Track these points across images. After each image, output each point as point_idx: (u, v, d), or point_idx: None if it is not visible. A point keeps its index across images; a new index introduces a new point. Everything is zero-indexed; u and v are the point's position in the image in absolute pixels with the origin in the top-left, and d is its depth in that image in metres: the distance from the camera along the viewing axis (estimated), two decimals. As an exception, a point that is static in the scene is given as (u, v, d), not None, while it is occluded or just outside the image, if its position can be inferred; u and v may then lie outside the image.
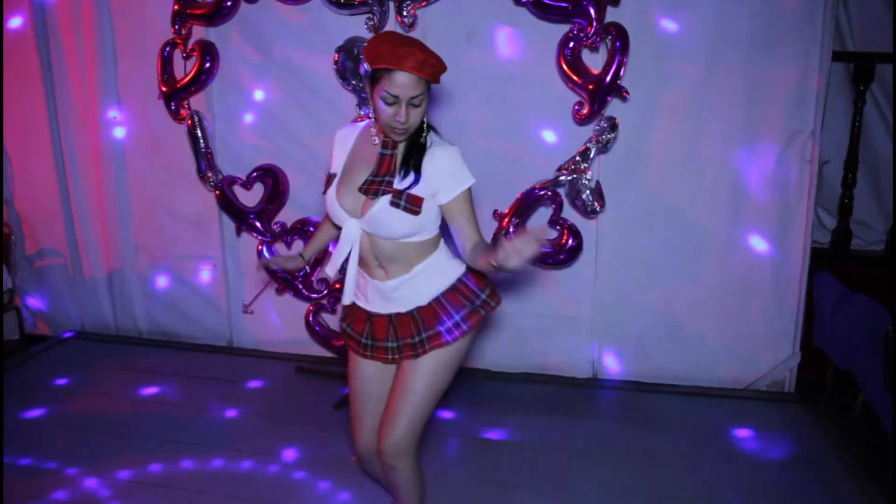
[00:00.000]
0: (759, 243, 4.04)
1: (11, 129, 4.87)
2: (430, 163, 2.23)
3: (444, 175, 2.23)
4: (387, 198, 2.22)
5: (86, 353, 4.78)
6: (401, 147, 2.28)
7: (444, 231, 2.36)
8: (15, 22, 4.66)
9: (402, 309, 2.37)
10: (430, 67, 2.13)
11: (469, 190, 2.27)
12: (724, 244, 4.07)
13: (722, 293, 4.13)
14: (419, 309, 2.36)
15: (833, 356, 3.86)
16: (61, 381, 4.34)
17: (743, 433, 3.79)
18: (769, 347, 4.15)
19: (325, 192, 2.39)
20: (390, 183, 2.24)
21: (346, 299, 2.44)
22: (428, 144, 2.26)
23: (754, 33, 3.82)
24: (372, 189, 2.25)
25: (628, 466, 3.44)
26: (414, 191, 2.22)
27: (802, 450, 3.64)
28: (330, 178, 2.40)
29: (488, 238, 2.34)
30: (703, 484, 3.30)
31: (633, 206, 4.07)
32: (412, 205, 2.21)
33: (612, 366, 4.33)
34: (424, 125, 2.25)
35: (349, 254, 2.35)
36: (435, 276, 2.36)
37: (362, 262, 2.37)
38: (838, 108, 4.29)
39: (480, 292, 2.39)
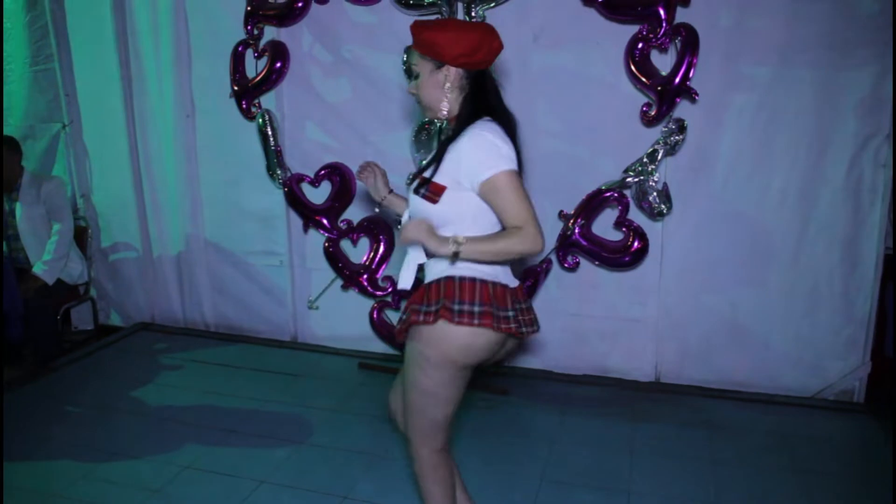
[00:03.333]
0: (829, 249, 3.95)
1: (91, 126, 5.05)
2: (454, 150, 2.13)
3: (463, 163, 2.10)
4: (414, 185, 2.22)
5: (155, 344, 4.93)
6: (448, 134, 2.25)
7: None
8: (96, 23, 4.82)
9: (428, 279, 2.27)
10: (415, 39, 2.19)
11: (501, 176, 2.06)
12: (793, 249, 4.00)
13: (789, 299, 4.05)
14: (421, 286, 2.26)
15: (906, 366, 3.77)
16: (132, 371, 4.48)
17: (809, 443, 3.71)
18: (838, 356, 4.05)
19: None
20: (423, 170, 2.22)
21: (403, 283, 2.35)
22: (467, 131, 2.13)
23: (827, 34, 3.73)
24: (416, 176, 2.26)
25: (690, 472, 3.40)
26: (439, 179, 2.14)
27: (870, 463, 3.55)
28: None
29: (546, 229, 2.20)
30: (766, 493, 3.24)
31: (700, 209, 4.02)
32: (431, 192, 2.14)
33: (674, 370, 4.29)
34: (446, 105, 2.20)
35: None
36: (459, 264, 2.17)
37: None
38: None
39: (480, 305, 2.16)
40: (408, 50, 2.19)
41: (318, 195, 4.46)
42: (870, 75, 3.73)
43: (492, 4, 3.90)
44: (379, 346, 4.62)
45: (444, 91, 2.18)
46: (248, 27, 4.30)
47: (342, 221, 4.40)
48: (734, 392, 4.18)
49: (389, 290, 4.34)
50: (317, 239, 4.56)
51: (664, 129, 3.79)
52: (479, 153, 2.08)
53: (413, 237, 2.09)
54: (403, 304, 2.56)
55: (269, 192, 4.62)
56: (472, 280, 2.17)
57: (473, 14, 3.91)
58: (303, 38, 4.39)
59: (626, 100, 3.89)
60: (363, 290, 4.40)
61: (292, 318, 4.88)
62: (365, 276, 4.35)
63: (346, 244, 4.49)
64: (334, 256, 4.42)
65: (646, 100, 3.82)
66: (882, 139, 3.78)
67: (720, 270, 4.08)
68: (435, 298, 2.17)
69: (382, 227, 4.33)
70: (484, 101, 2.20)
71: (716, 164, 3.98)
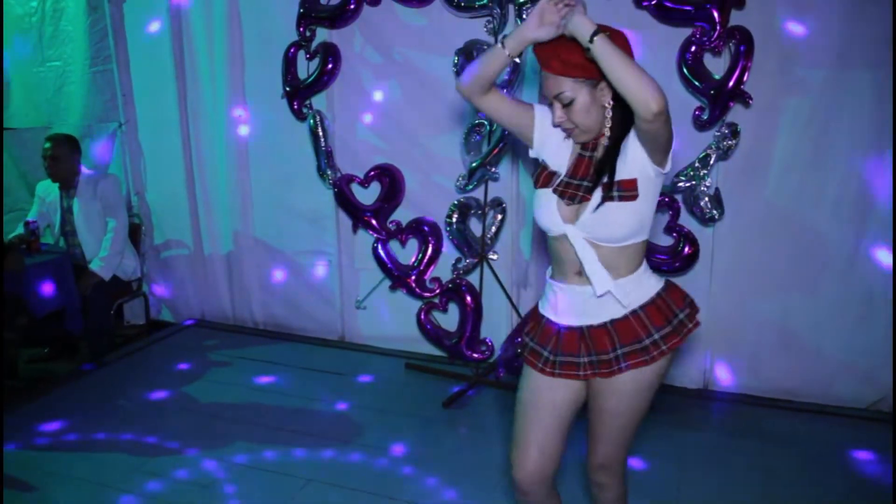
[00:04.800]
0: (885, 256, 3.87)
1: (146, 125, 5.17)
2: (625, 155, 2.01)
3: (635, 145, 1.98)
4: (597, 199, 2.02)
5: (205, 341, 5.02)
6: (600, 148, 2.08)
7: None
8: (153, 26, 4.96)
9: (595, 321, 2.13)
10: (559, 65, 1.95)
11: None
12: (847, 256, 3.92)
13: (842, 307, 3.97)
14: (614, 322, 2.12)
15: (964, 378, 3.67)
16: (182, 366, 4.57)
17: (861, 455, 3.63)
18: (893, 366, 3.97)
19: (537, 185, 2.18)
20: (589, 188, 2.05)
21: (554, 313, 2.22)
22: (627, 141, 2.02)
23: (885, 35, 3.64)
24: (568, 193, 2.07)
25: (740, 481, 3.35)
26: (622, 175, 2.01)
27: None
28: (543, 171, 2.19)
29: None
30: None
31: (752, 215, 3.96)
32: (626, 190, 1.99)
33: (724, 377, 4.23)
34: (608, 122, 2.03)
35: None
36: (634, 289, 2.12)
37: (559, 271, 2.20)
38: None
39: (679, 311, 2.14)
40: (544, 78, 2.00)
41: (367, 196, 4.49)
42: (930, 78, 3.64)
43: (544, 7, 3.88)
44: (425, 348, 4.63)
45: (607, 108, 2.02)
46: (301, 29, 4.35)
47: (391, 222, 4.43)
48: (784, 401, 4.11)
49: (437, 291, 4.35)
50: (365, 239, 4.59)
51: (717, 134, 3.74)
52: None
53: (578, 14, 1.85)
54: (528, 326, 2.36)
55: (318, 192, 4.67)
56: (660, 296, 2.14)
57: (525, 16, 3.90)
58: (354, 40, 4.43)
59: (679, 103, 3.82)
60: (411, 291, 4.42)
61: (340, 317, 4.93)
62: (413, 277, 4.37)
63: (394, 245, 4.51)
64: (383, 257, 4.44)
65: (698, 103, 3.77)
66: (943, 143, 3.69)
67: (771, 277, 4.02)
68: (645, 331, 2.10)
69: (432, 229, 4.34)
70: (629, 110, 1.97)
71: (769, 168, 3.92)
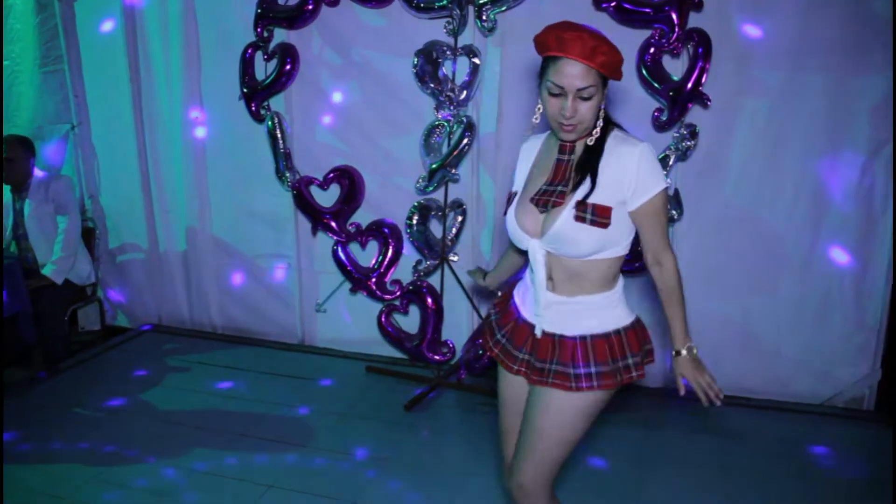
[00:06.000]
0: (840, 255, 3.94)
1: (100, 127, 5.05)
2: (614, 164, 1.99)
3: (632, 178, 1.97)
4: (569, 212, 1.99)
5: (162, 346, 4.92)
6: (578, 150, 2.07)
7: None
8: (106, 26, 4.84)
9: (546, 328, 2.12)
10: (603, 56, 1.87)
11: (661, 195, 2.00)
12: (804, 255, 3.99)
13: (800, 306, 4.04)
14: (561, 338, 2.09)
15: (917, 373, 3.75)
16: (140, 373, 4.48)
17: (819, 450, 3.70)
18: (848, 363, 4.04)
19: (504, 213, 2.20)
20: (563, 193, 2.03)
21: (535, 320, 2.16)
22: (611, 144, 2.02)
23: (840, 39, 3.72)
24: (542, 200, 2.05)
25: (702, 479, 3.39)
26: (600, 199, 1.98)
27: (880, 470, 3.53)
28: (511, 197, 2.21)
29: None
30: (777, 500, 3.24)
31: (711, 215, 4.01)
32: (600, 217, 1.97)
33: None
34: (601, 122, 2.01)
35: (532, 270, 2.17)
36: (596, 314, 2.09)
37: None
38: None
39: (631, 355, 2.09)
40: (568, 68, 1.92)
41: (326, 198, 4.45)
42: (884, 80, 3.72)
43: (503, 8, 3.89)
44: (386, 350, 4.61)
45: (599, 109, 2.00)
46: (258, 29, 4.29)
47: (351, 224, 4.39)
48: (744, 399, 4.16)
49: (398, 293, 4.33)
50: (325, 242, 4.55)
51: (676, 135, 3.77)
52: (648, 167, 1.99)
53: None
54: (501, 323, 2.33)
55: (277, 194, 4.61)
56: (623, 331, 2.12)
57: (485, 18, 3.91)
58: (312, 41, 4.38)
59: (638, 104, 3.87)
60: (371, 294, 4.39)
61: (300, 320, 4.88)
62: (373, 280, 4.34)
63: (354, 247, 4.47)
64: (343, 260, 4.41)
65: (657, 104, 3.80)
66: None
67: (730, 276, 4.07)
68: (584, 360, 2.06)
69: (392, 231, 4.32)
70: (607, 111, 2.06)
71: (727, 169, 3.97)
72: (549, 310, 2.11)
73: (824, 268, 3.98)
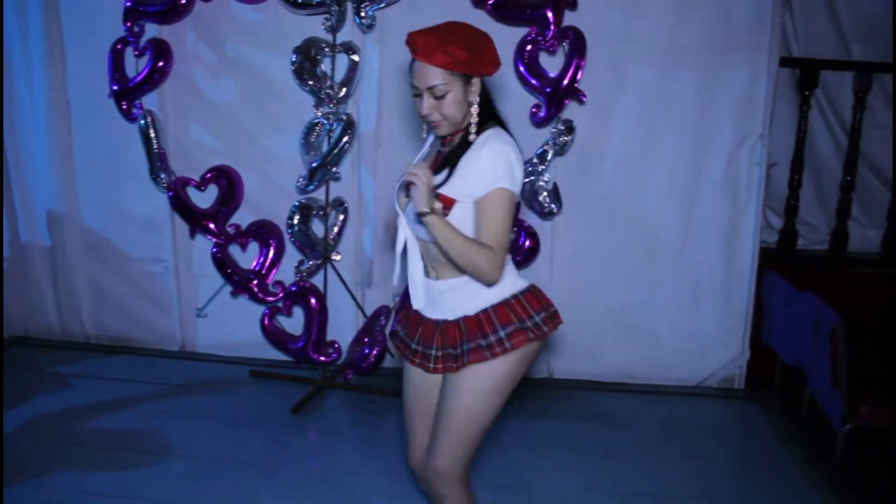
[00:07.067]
0: (710, 243, 4.15)
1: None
2: (471, 160, 2.04)
3: (478, 172, 2.01)
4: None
5: (30, 360, 4.62)
6: (455, 143, 2.13)
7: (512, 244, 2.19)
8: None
9: (450, 316, 2.15)
10: (444, 56, 1.95)
11: (500, 193, 2.00)
12: (677, 244, 4.18)
13: (675, 292, 4.23)
14: (465, 318, 2.12)
15: (781, 353, 3.98)
16: (5, 390, 4.19)
17: (696, 430, 3.88)
18: (720, 345, 4.27)
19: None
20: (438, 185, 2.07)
21: (416, 302, 2.19)
22: (481, 139, 2.06)
23: (706, 39, 3.94)
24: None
25: (589, 464, 3.49)
26: (448, 190, 2.04)
27: (754, 444, 3.77)
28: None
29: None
30: (662, 481, 3.37)
31: (589, 208, 4.14)
32: (442, 206, 2.02)
33: (567, 366, 4.39)
34: (474, 119, 2.07)
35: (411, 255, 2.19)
36: (482, 290, 2.12)
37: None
38: (782, 112, 4.40)
39: (535, 314, 2.12)
40: (418, 68, 2.00)
41: (204, 199, 4.30)
42: (744, 77, 3.96)
43: (382, 5, 3.88)
44: (270, 353, 4.51)
45: (470, 104, 2.06)
46: (128, 24, 4.10)
47: (230, 226, 4.27)
48: (623, 384, 4.32)
49: (281, 294, 4.25)
50: (204, 244, 4.39)
51: (553, 131, 3.86)
52: (495, 164, 2.00)
53: (424, 188, 1.92)
54: (398, 315, 2.41)
55: (152, 196, 4.42)
56: (516, 297, 2.12)
57: (363, 14, 3.88)
58: (186, 37, 4.23)
59: (516, 101, 3.93)
60: (253, 297, 4.28)
61: (179, 326, 4.69)
62: (255, 282, 4.24)
63: (234, 249, 4.35)
64: (223, 262, 4.28)
65: (535, 101, 3.88)
66: (756, 138, 4.02)
67: (609, 266, 4.21)
68: (492, 329, 2.08)
69: (273, 232, 4.23)
70: (489, 108, 2.13)
71: (603, 163, 4.11)
72: (443, 297, 2.16)
73: (696, 256, 4.17)
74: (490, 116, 2.12)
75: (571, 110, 3.90)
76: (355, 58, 3.99)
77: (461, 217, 2.03)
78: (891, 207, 4.43)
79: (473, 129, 2.07)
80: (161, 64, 4.15)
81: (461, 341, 2.11)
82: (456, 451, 2.17)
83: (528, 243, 3.96)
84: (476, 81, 2.05)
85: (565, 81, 3.74)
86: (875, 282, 4.23)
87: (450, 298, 2.15)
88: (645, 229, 4.17)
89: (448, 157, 2.11)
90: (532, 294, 2.16)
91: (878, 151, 4.49)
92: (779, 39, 3.96)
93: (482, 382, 2.11)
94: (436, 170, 2.11)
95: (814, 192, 4.62)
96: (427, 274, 2.18)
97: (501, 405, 2.17)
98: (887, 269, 4.29)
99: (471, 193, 2.03)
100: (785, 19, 4.18)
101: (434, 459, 2.20)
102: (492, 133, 2.08)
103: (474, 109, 2.07)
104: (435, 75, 1.99)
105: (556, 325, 2.17)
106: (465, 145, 2.08)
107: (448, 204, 2.03)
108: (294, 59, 3.94)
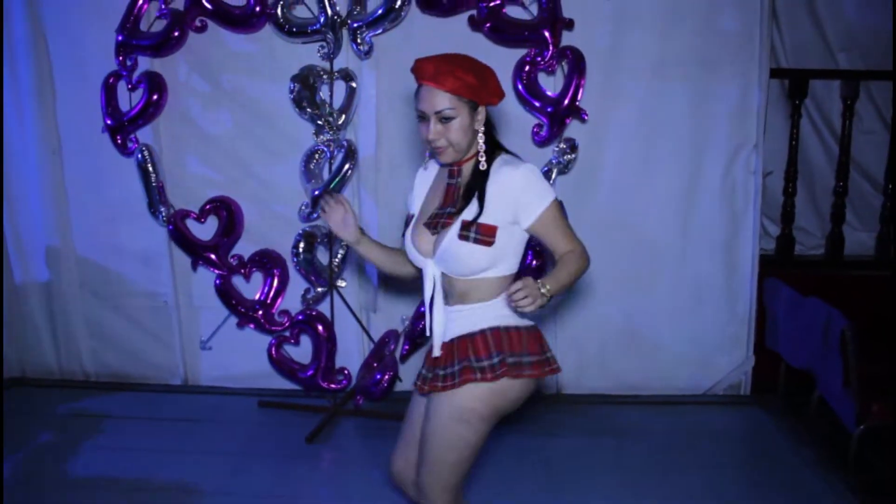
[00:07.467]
0: (710, 252, 4.21)
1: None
2: (499, 187, 2.05)
3: (518, 197, 2.03)
4: (454, 231, 2.06)
5: (29, 402, 4.52)
6: (465, 174, 2.15)
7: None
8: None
9: (446, 337, 2.17)
10: (454, 81, 2.00)
11: (554, 205, 2.06)
12: (677, 254, 4.24)
13: (676, 302, 4.29)
14: (460, 338, 2.13)
15: (787, 357, 4.04)
16: (6, 433, 4.10)
17: (706, 438, 3.92)
18: (724, 352, 4.32)
19: (403, 235, 2.27)
20: (451, 214, 2.10)
21: (436, 350, 2.19)
22: (496, 167, 2.09)
23: (697, 52, 4.01)
24: (433, 223, 2.13)
25: (607, 479, 3.50)
26: (486, 219, 2.04)
27: (766, 449, 3.81)
28: (408, 220, 2.29)
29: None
30: (678, 492, 3.39)
31: (590, 223, 4.12)
32: (483, 235, 2.03)
33: (574, 380, 4.40)
34: (483, 145, 2.11)
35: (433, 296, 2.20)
36: (491, 311, 2.12)
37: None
38: (773, 122, 4.48)
39: (529, 354, 2.12)
40: (425, 93, 2.03)
41: (204, 231, 4.27)
42: (737, 88, 4.05)
43: (379, 31, 3.89)
44: (275, 383, 4.47)
45: (476, 132, 2.10)
46: (120, 58, 4.07)
47: (232, 257, 4.24)
48: (632, 396, 4.35)
49: (287, 323, 4.22)
50: (204, 276, 4.36)
51: (556, 149, 3.89)
52: (532, 184, 2.04)
53: (539, 301, 1.92)
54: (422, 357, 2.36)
55: (149, 229, 4.38)
56: (517, 329, 2.13)
57: (359, 41, 3.89)
58: (179, 69, 4.21)
59: (517, 121, 3.95)
60: (259, 327, 4.25)
61: (181, 360, 4.63)
62: (260, 312, 4.22)
63: (238, 280, 4.33)
64: (227, 293, 4.25)
65: (536, 121, 3.91)
66: (750, 148, 4.09)
67: (612, 279, 4.24)
68: (486, 353, 2.08)
69: (276, 261, 4.21)
70: (494, 136, 2.18)
71: (602, 178, 4.17)
72: (453, 314, 2.17)
73: (696, 265, 4.24)
74: (495, 146, 2.16)
75: (570, 128, 3.94)
76: (353, 84, 4.00)
77: (504, 240, 2.06)
78: (882, 211, 4.52)
79: (482, 157, 2.11)
80: (156, 97, 4.12)
81: (453, 361, 2.12)
82: (437, 479, 2.18)
83: (534, 262, 3.97)
84: (482, 110, 2.10)
85: (566, 101, 3.78)
86: (872, 283, 4.32)
87: (451, 319, 2.18)
88: (645, 241, 4.22)
89: (470, 189, 2.11)
90: (531, 334, 2.17)
91: (868, 157, 4.60)
92: (768, 51, 4.05)
93: (456, 409, 2.10)
94: (452, 201, 2.13)
95: (807, 199, 4.72)
96: (446, 302, 2.20)
97: (485, 431, 2.14)
98: (882, 270, 4.39)
99: (512, 220, 2.06)
100: (772, 31, 4.27)
101: (418, 477, 2.22)
102: (506, 159, 2.12)
103: (480, 138, 2.11)
104: (443, 99, 2.02)
105: (545, 370, 2.14)
106: (481, 174, 2.10)
107: (491, 232, 2.04)
108: (292, 88, 3.93)
